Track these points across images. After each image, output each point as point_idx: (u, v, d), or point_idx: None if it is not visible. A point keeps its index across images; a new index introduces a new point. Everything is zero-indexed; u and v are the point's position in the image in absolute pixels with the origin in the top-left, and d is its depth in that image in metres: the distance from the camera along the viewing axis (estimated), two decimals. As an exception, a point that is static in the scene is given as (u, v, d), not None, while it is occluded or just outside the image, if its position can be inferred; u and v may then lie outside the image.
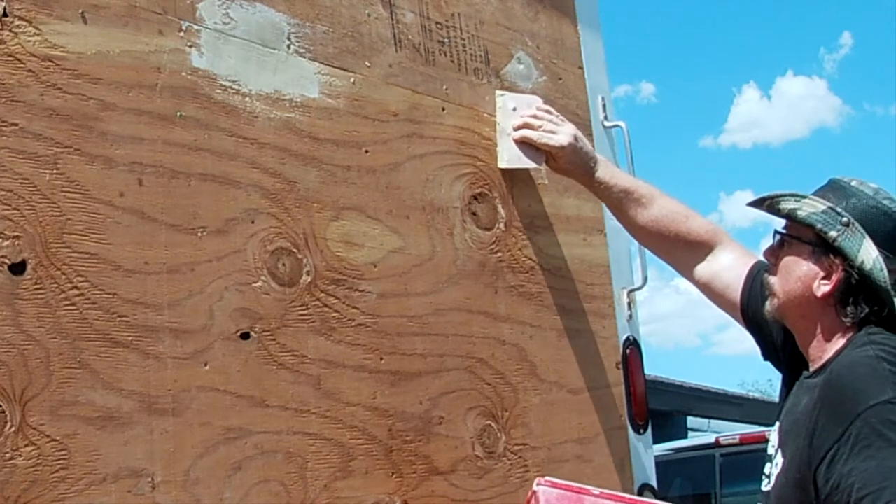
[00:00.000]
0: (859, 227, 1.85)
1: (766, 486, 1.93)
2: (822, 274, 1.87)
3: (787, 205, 1.92)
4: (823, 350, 1.88)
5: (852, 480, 1.67)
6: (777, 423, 1.95)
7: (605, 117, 2.92)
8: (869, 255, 1.83)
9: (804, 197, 1.92)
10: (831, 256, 1.86)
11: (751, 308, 2.13)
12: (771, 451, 1.94)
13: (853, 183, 1.94)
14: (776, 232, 1.97)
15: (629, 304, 2.87)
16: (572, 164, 2.46)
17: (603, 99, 2.93)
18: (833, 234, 1.85)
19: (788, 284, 1.91)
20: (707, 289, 2.28)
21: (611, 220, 2.85)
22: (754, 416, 16.19)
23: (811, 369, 1.91)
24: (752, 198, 1.96)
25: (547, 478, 1.88)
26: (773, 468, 1.90)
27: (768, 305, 1.98)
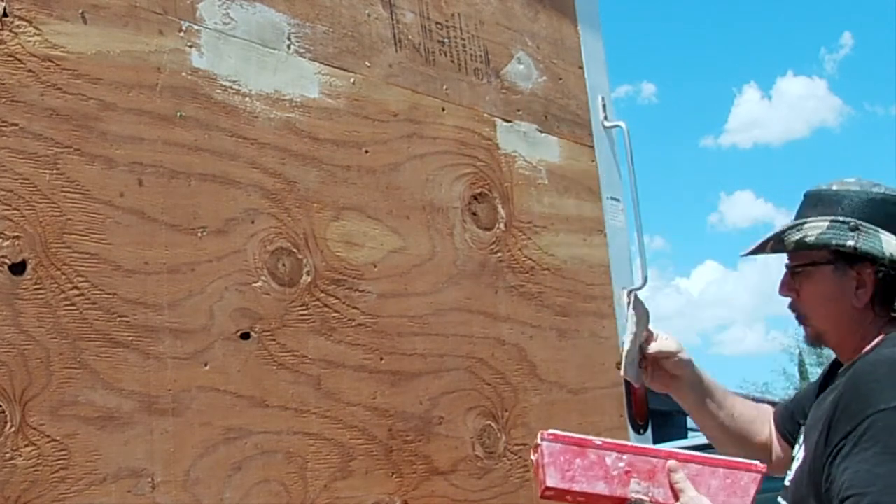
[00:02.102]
0: (868, 225, 1.83)
1: (788, 479, 1.93)
2: (854, 285, 1.85)
3: (792, 237, 1.88)
4: (862, 350, 1.87)
5: (844, 479, 1.68)
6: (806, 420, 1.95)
7: (605, 117, 2.92)
8: (892, 244, 1.82)
9: (804, 222, 1.88)
10: (857, 265, 1.84)
11: (785, 428, 2.14)
12: (797, 447, 1.95)
13: (833, 187, 1.91)
14: (788, 267, 1.94)
15: (629, 304, 2.86)
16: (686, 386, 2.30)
17: (603, 99, 2.93)
18: (850, 243, 1.82)
19: (825, 308, 1.88)
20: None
21: (611, 220, 2.85)
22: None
23: (845, 365, 1.90)
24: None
25: (550, 431, 1.86)
26: (796, 462, 1.91)
27: (805, 335, 1.96)
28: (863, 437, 1.68)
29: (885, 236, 1.82)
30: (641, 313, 2.36)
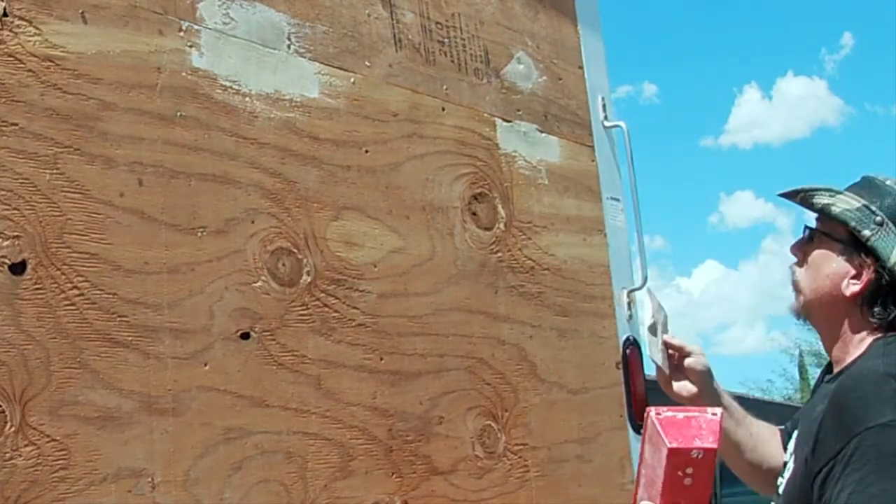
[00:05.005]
0: (893, 228, 1.81)
1: (780, 488, 1.92)
2: (852, 272, 1.82)
3: (820, 199, 1.86)
4: (846, 352, 1.84)
5: (839, 501, 1.67)
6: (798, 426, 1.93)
7: (605, 117, 2.92)
8: None
9: (839, 192, 1.86)
10: (862, 255, 1.81)
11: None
12: (787, 455, 1.93)
13: (888, 182, 1.89)
14: (807, 227, 1.93)
15: (629, 304, 2.87)
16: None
17: (603, 99, 2.93)
18: (867, 233, 1.80)
19: (816, 281, 1.86)
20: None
21: (611, 220, 2.85)
22: (754, 416, 16.14)
23: (833, 371, 1.88)
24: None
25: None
26: (787, 472, 1.90)
27: (793, 303, 1.94)
28: (852, 458, 1.67)
29: None
30: (657, 305, 2.30)
